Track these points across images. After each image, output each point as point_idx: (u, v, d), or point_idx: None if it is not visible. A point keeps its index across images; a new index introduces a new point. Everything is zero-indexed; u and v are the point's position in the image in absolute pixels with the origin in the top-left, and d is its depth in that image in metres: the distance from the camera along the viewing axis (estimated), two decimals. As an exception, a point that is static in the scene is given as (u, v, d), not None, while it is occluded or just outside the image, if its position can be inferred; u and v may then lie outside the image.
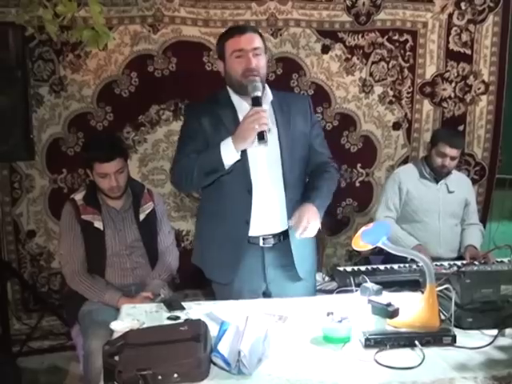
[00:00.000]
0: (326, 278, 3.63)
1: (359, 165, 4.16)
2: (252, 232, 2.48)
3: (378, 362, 1.84)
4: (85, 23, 2.75)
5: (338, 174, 2.67)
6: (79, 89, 3.75)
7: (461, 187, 3.65)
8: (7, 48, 3.21)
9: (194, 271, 3.50)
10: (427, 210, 3.57)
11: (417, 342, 1.93)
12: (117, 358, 1.79)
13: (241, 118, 2.38)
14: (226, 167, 2.30)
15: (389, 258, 3.37)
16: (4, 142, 3.23)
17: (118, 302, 2.68)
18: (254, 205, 2.44)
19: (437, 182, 3.58)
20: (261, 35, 2.43)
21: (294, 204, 2.44)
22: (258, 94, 2.30)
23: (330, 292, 3.38)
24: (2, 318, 3.47)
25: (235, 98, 2.45)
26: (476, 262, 2.92)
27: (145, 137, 3.85)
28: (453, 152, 3.49)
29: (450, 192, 3.60)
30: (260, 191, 2.44)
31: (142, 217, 2.90)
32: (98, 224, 2.81)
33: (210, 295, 3.40)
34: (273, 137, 2.43)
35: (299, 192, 2.52)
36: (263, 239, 2.49)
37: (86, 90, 3.75)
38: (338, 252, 4.25)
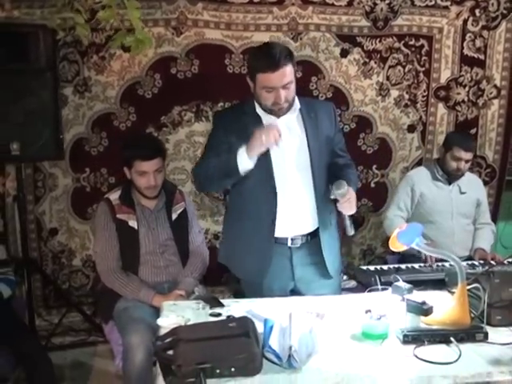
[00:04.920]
0: (345, 277, 3.73)
1: (375, 166, 4.26)
2: (279, 233, 2.57)
3: (418, 357, 1.94)
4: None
5: (357, 175, 2.83)
6: (103, 90, 3.82)
7: (472, 188, 3.74)
8: (38, 50, 3.29)
9: (218, 269, 3.59)
10: (440, 210, 3.65)
11: (452, 339, 2.03)
12: (170, 352, 1.87)
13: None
14: (241, 172, 2.38)
15: (405, 257, 3.47)
16: (34, 142, 3.32)
17: (152, 300, 2.77)
18: (281, 207, 2.54)
19: (449, 183, 3.66)
20: (292, 59, 2.42)
21: (324, 205, 2.55)
22: None
23: (351, 290, 3.49)
24: (29, 315, 3.53)
25: (261, 112, 2.54)
26: (505, 262, 3.04)
27: (167, 137, 3.92)
28: (467, 155, 3.57)
29: (462, 193, 3.68)
30: (288, 194, 2.54)
31: (174, 216, 2.97)
32: (133, 223, 2.87)
33: (237, 293, 3.49)
34: (302, 143, 2.55)
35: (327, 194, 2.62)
36: (291, 240, 2.59)
37: (109, 90, 3.83)
38: (352, 251, 4.35)
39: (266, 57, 2.37)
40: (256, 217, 2.55)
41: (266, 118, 2.53)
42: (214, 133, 2.62)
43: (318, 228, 2.61)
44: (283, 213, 2.54)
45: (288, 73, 2.38)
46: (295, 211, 2.56)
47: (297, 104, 2.54)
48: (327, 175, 2.60)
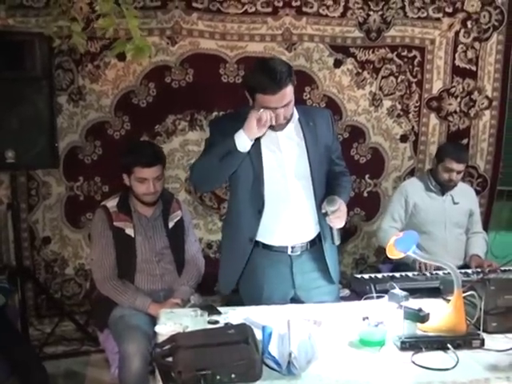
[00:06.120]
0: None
1: (367, 175, 4.29)
2: (279, 242, 2.59)
3: (416, 364, 1.95)
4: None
5: (351, 184, 2.86)
6: (97, 98, 3.83)
7: (465, 198, 3.77)
8: (33, 58, 3.29)
9: (211, 278, 3.59)
10: (434, 221, 3.67)
11: (449, 345, 2.05)
12: (169, 359, 1.87)
13: (262, 138, 2.49)
14: (239, 148, 2.37)
15: (398, 266, 3.48)
16: (29, 150, 3.32)
17: (148, 308, 2.77)
18: (281, 216, 2.55)
19: (442, 194, 3.69)
20: (292, 78, 2.39)
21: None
22: None
23: (344, 299, 3.50)
24: (22, 324, 3.51)
25: None
26: (498, 271, 3.06)
27: (161, 146, 3.89)
28: (460, 167, 3.60)
29: (455, 203, 3.70)
30: (288, 203, 2.55)
31: (170, 225, 2.98)
32: (130, 231, 2.87)
33: (231, 302, 3.49)
34: (302, 151, 2.56)
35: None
36: (291, 248, 2.60)
37: (104, 99, 3.83)
38: (345, 260, 4.35)
39: (267, 78, 2.33)
40: (239, 232, 2.59)
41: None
42: (211, 138, 2.61)
43: (318, 235, 2.63)
44: (283, 222, 2.56)
45: (288, 93, 2.37)
46: (295, 220, 2.57)
47: (295, 114, 2.55)
48: (325, 183, 2.62)
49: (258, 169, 2.50)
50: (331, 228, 2.50)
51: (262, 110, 2.34)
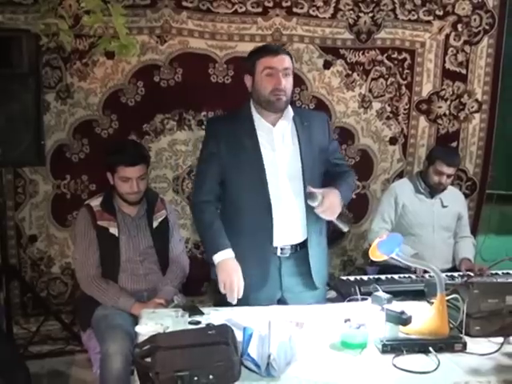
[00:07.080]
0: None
1: (356, 177, 4.24)
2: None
3: (396, 367, 1.94)
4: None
5: (354, 179, 2.87)
6: (85, 96, 3.80)
7: (454, 202, 3.77)
8: (20, 55, 3.25)
9: (198, 278, 3.58)
10: (422, 223, 3.67)
11: (431, 348, 2.04)
12: (148, 359, 1.85)
13: (259, 136, 2.52)
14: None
15: (385, 268, 3.48)
16: (15, 147, 3.28)
17: (131, 308, 2.75)
18: (275, 220, 2.54)
19: (432, 196, 3.68)
20: (291, 57, 2.55)
21: (314, 215, 2.53)
22: None
23: (330, 300, 3.49)
24: (7, 323, 3.48)
25: (256, 116, 2.56)
26: (488, 274, 3.06)
27: (149, 145, 3.90)
28: (450, 170, 3.59)
29: (444, 206, 3.70)
30: (281, 205, 2.54)
31: (155, 224, 2.96)
32: (114, 230, 2.86)
33: (218, 303, 3.48)
34: (294, 152, 2.56)
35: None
36: (281, 249, 2.59)
37: (92, 97, 3.81)
38: (332, 262, 4.33)
39: (266, 47, 2.58)
40: (253, 231, 2.55)
41: (261, 126, 2.54)
42: (205, 143, 2.65)
43: (307, 238, 2.62)
44: (277, 224, 2.55)
45: (287, 60, 2.50)
46: (286, 221, 2.56)
47: (290, 112, 2.56)
48: (320, 185, 2.60)
49: (259, 170, 2.51)
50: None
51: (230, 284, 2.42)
